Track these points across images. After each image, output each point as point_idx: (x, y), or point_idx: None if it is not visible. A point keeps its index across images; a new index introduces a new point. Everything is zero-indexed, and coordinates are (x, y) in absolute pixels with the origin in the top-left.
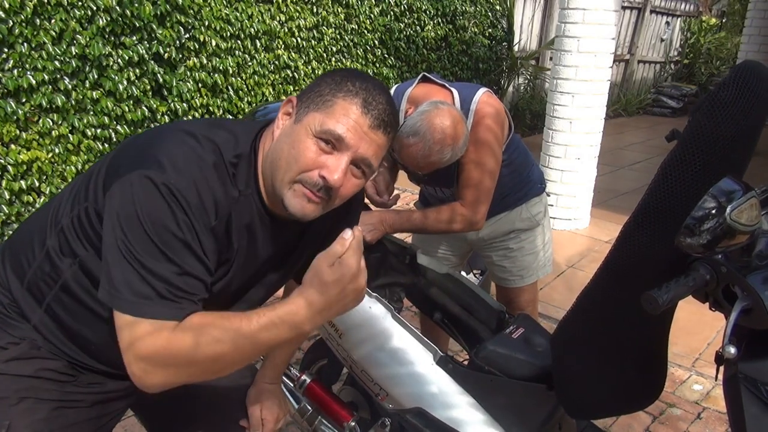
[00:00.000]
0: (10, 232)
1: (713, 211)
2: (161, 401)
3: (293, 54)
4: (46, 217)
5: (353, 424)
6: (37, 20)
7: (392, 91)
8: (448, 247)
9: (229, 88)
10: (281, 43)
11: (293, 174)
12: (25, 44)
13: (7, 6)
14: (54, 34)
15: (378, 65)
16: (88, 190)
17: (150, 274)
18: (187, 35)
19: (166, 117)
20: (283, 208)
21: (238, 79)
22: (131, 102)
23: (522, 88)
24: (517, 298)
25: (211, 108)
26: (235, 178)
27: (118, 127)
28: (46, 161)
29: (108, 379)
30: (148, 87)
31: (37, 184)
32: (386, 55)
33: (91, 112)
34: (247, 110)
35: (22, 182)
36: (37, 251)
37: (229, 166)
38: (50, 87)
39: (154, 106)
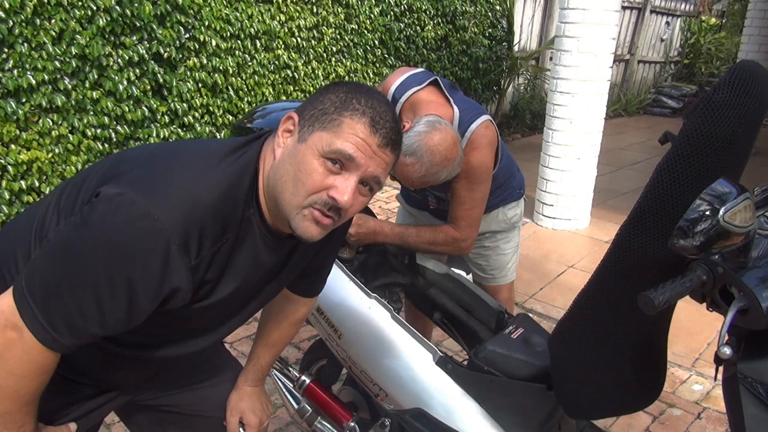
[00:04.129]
0: None
1: (706, 213)
2: (145, 405)
3: (293, 54)
4: (30, 227)
5: (353, 424)
6: (37, 20)
7: (400, 80)
8: None
9: (229, 88)
10: (281, 43)
11: (301, 199)
12: (25, 44)
13: (7, 6)
14: (54, 34)
15: (378, 65)
16: (76, 202)
17: (65, 299)
18: (187, 35)
19: (166, 117)
20: (289, 229)
21: (238, 79)
22: (131, 102)
23: (522, 88)
24: (494, 296)
25: (211, 108)
26: (245, 204)
27: (118, 127)
28: (46, 161)
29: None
30: (148, 87)
31: (37, 184)
32: (386, 55)
33: (91, 112)
34: (247, 110)
35: (22, 182)
36: (20, 263)
37: (240, 200)
38: (50, 87)
39: (154, 106)
